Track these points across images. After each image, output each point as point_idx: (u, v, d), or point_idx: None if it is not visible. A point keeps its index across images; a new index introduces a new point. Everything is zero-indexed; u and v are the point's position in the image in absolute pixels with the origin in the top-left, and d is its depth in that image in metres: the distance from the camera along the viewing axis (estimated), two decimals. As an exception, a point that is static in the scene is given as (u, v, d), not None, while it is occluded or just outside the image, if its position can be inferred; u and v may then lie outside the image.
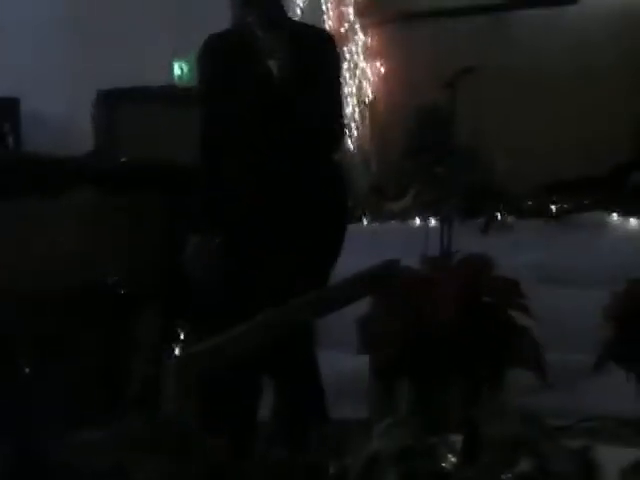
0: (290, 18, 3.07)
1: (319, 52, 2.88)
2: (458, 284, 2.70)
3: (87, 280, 3.28)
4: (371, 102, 6.99)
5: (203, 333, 2.89)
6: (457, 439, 1.72)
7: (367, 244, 4.91)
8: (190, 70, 7.05)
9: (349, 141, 6.87)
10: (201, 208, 2.92)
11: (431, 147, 5.66)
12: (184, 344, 3.27)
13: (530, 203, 5.76)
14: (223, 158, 2.94)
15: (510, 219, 5.62)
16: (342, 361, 3.63)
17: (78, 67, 6.99)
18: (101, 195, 3.38)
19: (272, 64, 2.83)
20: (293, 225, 2.87)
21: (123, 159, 3.93)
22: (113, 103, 6.26)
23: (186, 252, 2.91)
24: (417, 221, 5.59)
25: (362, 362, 2.84)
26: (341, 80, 3.05)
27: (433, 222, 5.24)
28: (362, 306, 2.70)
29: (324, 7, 6.98)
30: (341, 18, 6.99)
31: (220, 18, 3.08)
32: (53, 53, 7.22)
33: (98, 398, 3.32)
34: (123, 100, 6.23)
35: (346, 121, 6.86)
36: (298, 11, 6.90)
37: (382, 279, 2.62)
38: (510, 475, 1.62)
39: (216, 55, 2.96)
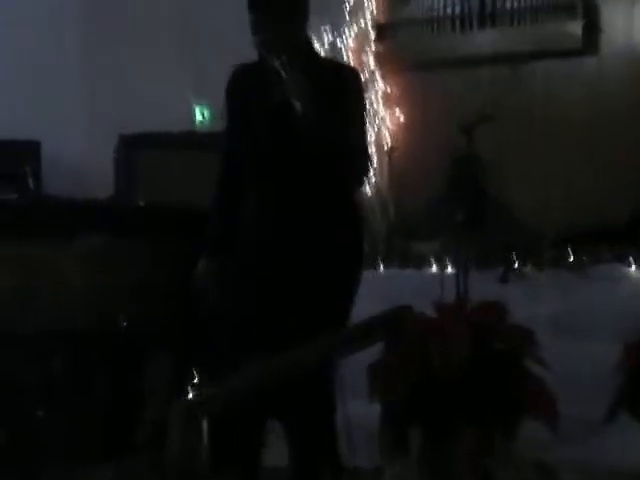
0: (316, 53, 3.02)
1: (342, 87, 2.85)
2: (471, 331, 2.67)
3: (99, 322, 3.29)
4: (390, 149, 7.02)
5: (215, 374, 2.87)
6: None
7: (382, 290, 4.90)
8: (211, 115, 7.12)
9: (367, 187, 6.90)
10: (213, 232, 2.92)
11: (463, 194, 5.66)
12: (198, 387, 3.26)
13: (548, 254, 5.74)
14: (240, 193, 2.94)
15: (528, 269, 5.61)
16: (354, 407, 3.60)
17: (99, 111, 7.07)
18: (116, 238, 3.40)
19: (293, 99, 2.80)
20: (309, 264, 2.86)
21: (140, 202, 3.96)
22: (134, 147, 6.32)
23: (195, 271, 2.91)
24: (433, 268, 5.58)
25: (373, 408, 2.81)
26: (365, 115, 2.99)
27: (449, 269, 5.23)
28: (374, 352, 2.68)
29: (345, 56, 7.05)
30: (361, 67, 7.05)
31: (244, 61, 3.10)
32: (74, 97, 7.32)
33: (108, 440, 3.31)
34: (144, 145, 6.29)
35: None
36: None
37: (394, 325, 2.60)
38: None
39: (237, 90, 2.97)
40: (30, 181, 5.80)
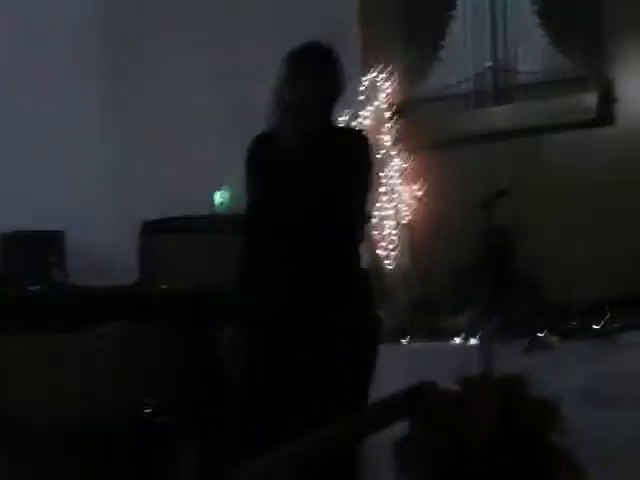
0: (331, 122, 3.03)
1: (349, 151, 2.87)
2: (493, 405, 2.65)
3: (123, 411, 3.28)
4: (409, 224, 7.06)
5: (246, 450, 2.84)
6: None
7: (406, 364, 4.89)
8: (231, 198, 7.20)
9: (388, 261, 6.93)
10: (237, 301, 2.91)
11: (498, 268, 5.66)
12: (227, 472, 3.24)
13: (574, 323, 5.71)
14: (255, 259, 2.95)
15: (554, 339, 5.57)
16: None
17: (122, 200, 7.17)
18: (139, 325, 3.42)
19: (301, 167, 2.83)
20: (322, 337, 2.84)
21: (163, 286, 3.98)
22: (156, 233, 6.39)
23: (221, 342, 2.90)
24: (457, 340, 5.56)
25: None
26: (371, 179, 2.99)
27: (473, 341, 5.21)
28: (399, 429, 2.66)
29: (361, 135, 7.13)
30: (378, 145, 7.13)
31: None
32: (97, 189, 7.43)
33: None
34: (166, 230, 6.36)
35: (386, 241, 6.94)
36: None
37: (418, 401, 2.58)
38: None
39: (252, 161, 3.00)
40: (56, 271, 5.86)
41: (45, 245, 6.75)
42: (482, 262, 5.92)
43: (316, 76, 2.87)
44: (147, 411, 3.16)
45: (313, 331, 2.83)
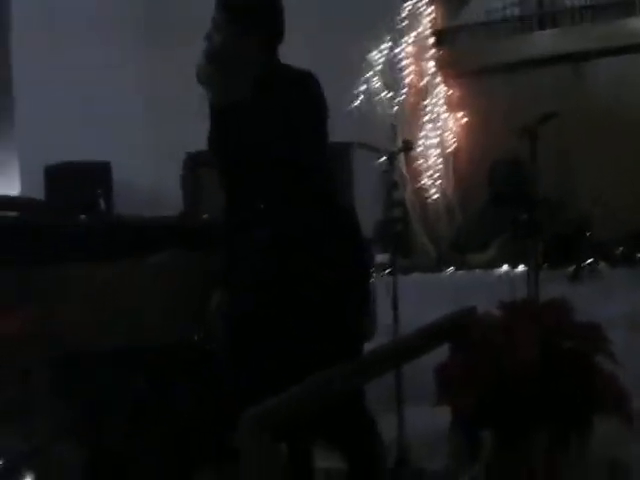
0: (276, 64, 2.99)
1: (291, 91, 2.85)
2: (538, 329, 2.67)
3: (176, 338, 3.34)
4: (454, 152, 7.01)
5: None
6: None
7: (450, 294, 4.89)
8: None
9: (433, 190, 6.89)
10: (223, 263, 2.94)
11: (513, 198, 5.65)
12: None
13: (620, 250, 5.67)
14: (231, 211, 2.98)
15: (600, 267, 5.54)
16: (420, 414, 3.61)
17: (165, 134, 7.20)
18: (188, 254, 3.46)
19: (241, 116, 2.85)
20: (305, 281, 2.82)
21: (205, 216, 4.02)
22: (199, 165, 6.42)
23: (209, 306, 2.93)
24: (503, 269, 5.55)
25: (443, 411, 2.82)
26: (315, 116, 2.93)
27: (520, 270, 5.19)
28: (439, 355, 2.69)
29: (403, 62, 7.07)
30: (421, 72, 7.06)
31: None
32: (142, 122, 7.48)
33: (190, 455, 3.37)
34: (209, 162, 6.37)
35: (429, 172, 6.91)
36: (379, 67, 6.99)
37: (459, 326, 2.61)
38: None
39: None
40: (102, 202, 5.92)
41: (91, 176, 6.82)
42: (510, 194, 5.90)
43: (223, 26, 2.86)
44: (196, 338, 3.22)
45: (294, 274, 2.82)
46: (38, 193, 6.73)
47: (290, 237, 2.81)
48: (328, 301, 2.79)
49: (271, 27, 2.90)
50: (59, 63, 7.59)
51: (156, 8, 7.36)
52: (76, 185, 6.46)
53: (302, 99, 2.85)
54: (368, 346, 2.88)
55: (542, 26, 6.80)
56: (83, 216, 3.92)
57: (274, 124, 2.80)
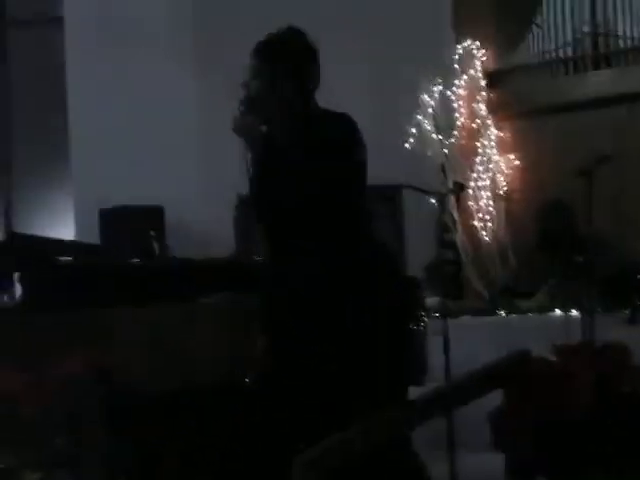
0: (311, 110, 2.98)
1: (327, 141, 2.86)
2: (595, 374, 2.62)
3: (227, 380, 3.34)
4: (505, 194, 6.97)
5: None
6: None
7: (502, 337, 4.84)
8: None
9: (484, 233, 6.84)
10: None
11: (563, 240, 5.59)
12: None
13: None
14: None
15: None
16: (473, 459, 3.55)
17: (216, 178, 7.26)
18: (238, 296, 3.47)
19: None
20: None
21: (258, 258, 4.03)
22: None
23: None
24: (556, 313, 5.47)
25: (497, 457, 2.77)
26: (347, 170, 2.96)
27: (573, 313, 5.11)
28: (493, 400, 2.65)
29: (455, 104, 7.07)
30: (473, 114, 7.05)
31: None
32: (194, 163, 7.56)
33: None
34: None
35: (482, 214, 6.87)
36: (430, 110, 7.00)
37: (513, 370, 2.57)
38: None
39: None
40: (155, 245, 5.98)
41: (144, 219, 6.89)
42: (546, 240, 5.84)
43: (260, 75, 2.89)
44: (246, 380, 3.21)
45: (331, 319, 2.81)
46: (93, 236, 6.83)
47: (330, 279, 2.82)
48: (372, 342, 2.78)
49: (306, 71, 2.93)
50: (115, 109, 7.72)
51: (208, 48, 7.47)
52: (130, 228, 6.54)
53: (336, 143, 2.88)
54: (419, 390, 2.84)
55: (596, 67, 6.76)
56: (136, 259, 3.96)
57: (309, 168, 2.83)
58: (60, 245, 4.33)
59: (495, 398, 2.60)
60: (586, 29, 6.78)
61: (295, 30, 2.94)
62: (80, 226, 7.76)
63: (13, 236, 5.51)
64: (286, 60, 2.90)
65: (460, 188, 5.60)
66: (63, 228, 7.92)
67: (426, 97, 6.97)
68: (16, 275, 4.17)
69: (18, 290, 4.30)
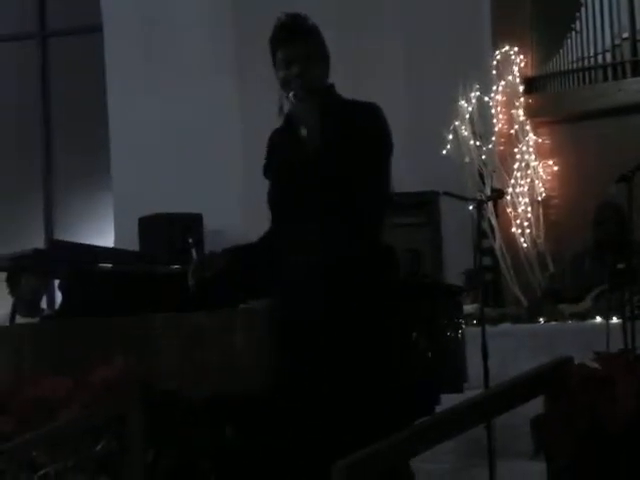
0: (337, 95, 2.94)
1: (356, 123, 2.82)
2: (637, 381, 2.58)
3: (264, 388, 3.34)
4: (544, 200, 6.93)
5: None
6: None
7: (542, 344, 4.80)
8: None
9: (522, 239, 6.80)
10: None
11: (615, 245, 5.53)
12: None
13: None
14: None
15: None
16: (513, 467, 3.54)
17: (256, 186, 7.29)
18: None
19: (303, 132, 2.82)
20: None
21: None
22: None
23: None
24: (598, 320, 5.42)
25: (538, 465, 2.75)
26: (380, 153, 2.91)
27: (614, 320, 5.06)
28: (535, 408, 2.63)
29: (493, 110, 7.04)
30: (511, 120, 7.02)
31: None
32: (233, 171, 7.60)
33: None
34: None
35: (520, 220, 6.83)
36: (467, 116, 6.98)
37: (555, 377, 2.54)
38: None
39: (269, 148, 3.05)
40: (194, 252, 6.01)
41: (183, 227, 6.93)
42: (597, 246, 5.78)
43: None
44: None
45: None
46: (132, 243, 6.88)
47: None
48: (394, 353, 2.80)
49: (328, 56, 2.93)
50: (155, 118, 7.78)
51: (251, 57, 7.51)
52: (168, 235, 6.58)
53: (377, 129, 2.86)
54: (458, 397, 2.83)
55: (635, 73, 6.70)
56: (176, 265, 3.98)
57: (337, 148, 2.80)
58: (99, 252, 4.37)
59: (537, 405, 2.58)
60: (625, 35, 6.72)
61: (299, 14, 2.93)
62: (119, 234, 7.83)
63: (53, 244, 5.57)
64: (320, 38, 2.91)
65: (498, 194, 5.58)
66: (103, 236, 8.00)
67: (464, 103, 6.95)
68: (56, 282, 4.21)
69: (58, 297, 4.34)
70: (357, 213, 2.82)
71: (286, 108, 2.89)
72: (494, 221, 6.83)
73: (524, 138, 6.96)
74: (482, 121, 6.97)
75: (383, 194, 2.89)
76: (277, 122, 2.99)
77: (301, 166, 2.85)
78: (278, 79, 2.91)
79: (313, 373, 2.80)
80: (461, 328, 3.60)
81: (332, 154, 2.78)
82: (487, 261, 6.82)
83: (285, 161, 2.93)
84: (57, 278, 4.15)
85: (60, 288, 4.02)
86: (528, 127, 6.98)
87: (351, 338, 2.80)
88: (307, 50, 2.88)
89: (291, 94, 2.83)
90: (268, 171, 3.04)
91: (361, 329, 2.80)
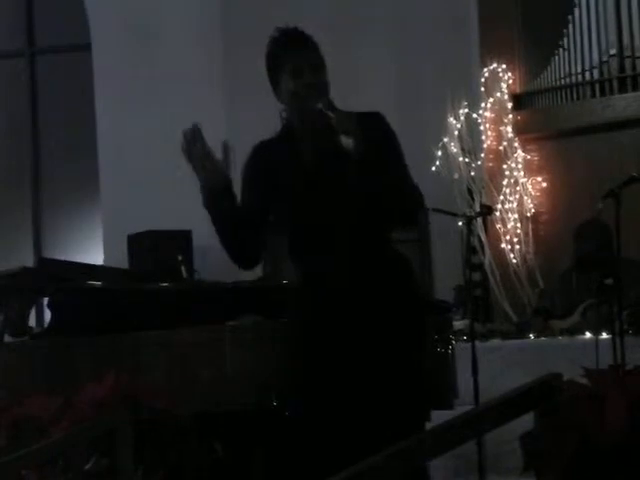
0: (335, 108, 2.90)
1: (367, 130, 2.79)
2: (628, 398, 2.59)
3: (254, 403, 3.34)
4: (533, 216, 6.95)
5: None
6: None
7: (531, 360, 4.81)
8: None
9: (512, 255, 6.81)
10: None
11: (599, 261, 5.56)
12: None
13: None
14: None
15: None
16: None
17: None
18: (264, 319, 3.47)
19: (345, 142, 2.78)
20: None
21: (285, 281, 4.04)
22: (276, 231, 6.44)
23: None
24: (587, 335, 5.43)
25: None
26: (400, 150, 2.93)
27: (604, 336, 5.07)
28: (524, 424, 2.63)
29: (482, 127, 7.07)
30: (499, 136, 7.05)
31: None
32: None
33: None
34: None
35: (509, 236, 6.85)
36: (456, 133, 7.00)
37: (544, 394, 2.55)
38: None
39: (259, 161, 3.01)
40: (183, 268, 6.01)
41: (172, 244, 6.92)
42: (577, 262, 5.81)
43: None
44: (275, 403, 3.21)
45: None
46: (121, 260, 6.87)
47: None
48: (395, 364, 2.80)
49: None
50: (143, 134, 7.78)
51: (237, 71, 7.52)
52: (158, 252, 6.57)
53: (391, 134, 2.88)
54: (449, 414, 2.83)
55: (623, 89, 6.74)
56: (165, 283, 3.97)
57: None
58: (88, 270, 4.37)
59: (527, 421, 2.58)
60: (612, 51, 6.76)
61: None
62: (108, 251, 7.81)
63: (42, 261, 5.56)
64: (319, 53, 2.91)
65: (487, 210, 5.60)
66: (92, 253, 7.98)
67: (452, 120, 6.98)
68: (45, 300, 4.20)
69: (47, 315, 4.33)
70: (406, 214, 2.92)
71: (295, 122, 2.89)
72: (483, 237, 6.85)
73: (513, 154, 6.98)
74: (471, 138, 7.00)
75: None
76: (262, 135, 2.98)
77: (337, 177, 2.82)
78: (284, 92, 2.88)
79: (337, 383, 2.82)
80: (451, 344, 3.61)
81: (377, 160, 2.77)
82: (477, 277, 6.84)
83: (307, 175, 2.89)
84: (46, 296, 4.14)
85: (49, 306, 4.01)
86: (517, 144, 7.00)
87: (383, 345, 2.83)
88: (320, 58, 2.88)
89: (319, 105, 2.79)
90: (268, 189, 3.02)
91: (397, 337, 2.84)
